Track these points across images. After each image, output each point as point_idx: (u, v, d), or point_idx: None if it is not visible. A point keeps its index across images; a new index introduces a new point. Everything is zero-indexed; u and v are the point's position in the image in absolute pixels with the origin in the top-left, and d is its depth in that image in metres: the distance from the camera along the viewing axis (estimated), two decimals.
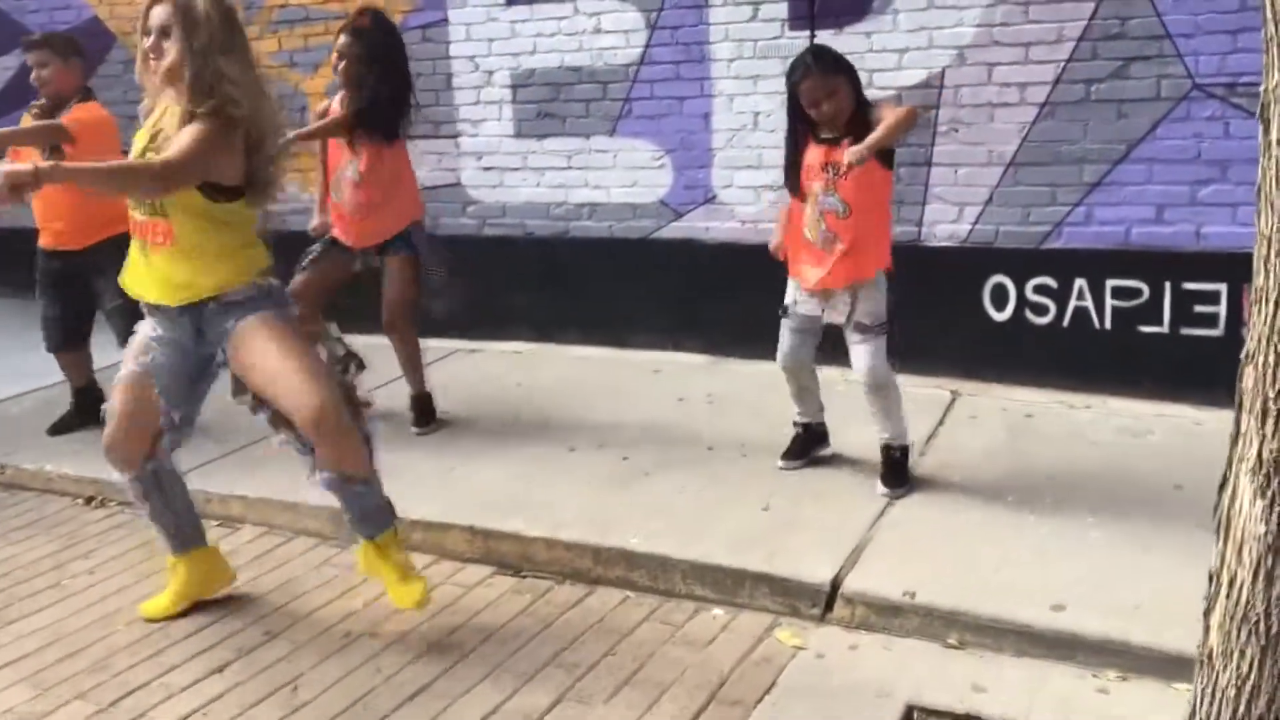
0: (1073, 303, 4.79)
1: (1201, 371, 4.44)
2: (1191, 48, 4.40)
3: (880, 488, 3.83)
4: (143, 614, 3.39)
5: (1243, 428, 1.71)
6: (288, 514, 4.00)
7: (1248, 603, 1.73)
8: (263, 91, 3.02)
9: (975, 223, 4.92)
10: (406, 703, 2.93)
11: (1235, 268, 3.99)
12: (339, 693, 2.99)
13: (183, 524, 3.42)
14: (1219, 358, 4.02)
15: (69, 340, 4.85)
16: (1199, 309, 4.54)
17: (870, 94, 4.18)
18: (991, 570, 3.28)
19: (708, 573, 3.39)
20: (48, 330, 4.83)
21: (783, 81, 4.99)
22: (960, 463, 4.08)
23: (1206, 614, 1.84)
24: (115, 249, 4.38)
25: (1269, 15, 1.65)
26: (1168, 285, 4.59)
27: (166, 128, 2.94)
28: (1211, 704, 1.84)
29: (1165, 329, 4.62)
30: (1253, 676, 1.76)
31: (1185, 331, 4.57)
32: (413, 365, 4.70)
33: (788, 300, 3.91)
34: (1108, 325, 4.73)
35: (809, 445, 4.09)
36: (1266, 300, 1.68)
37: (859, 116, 3.62)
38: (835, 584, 3.25)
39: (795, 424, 4.11)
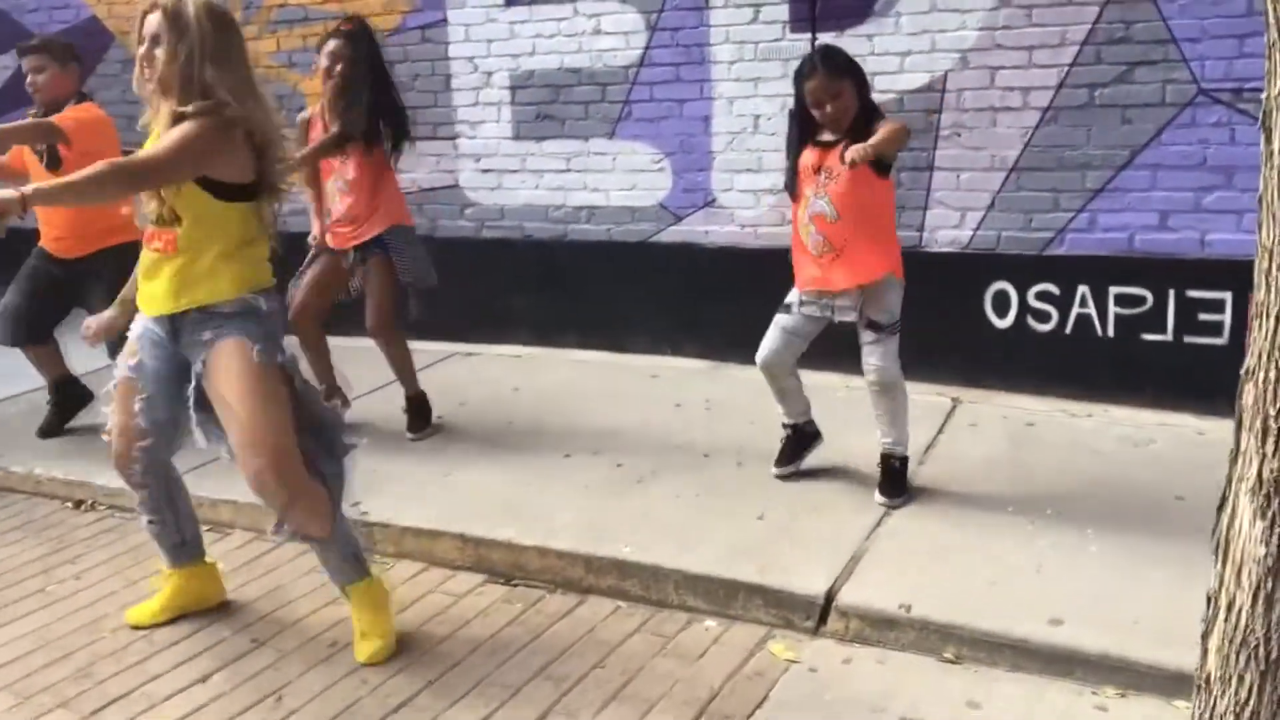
0: (1075, 310, 4.73)
1: (1205, 381, 4.38)
2: (1197, 52, 4.34)
3: (878, 497, 3.78)
4: (128, 621, 3.35)
5: (1242, 446, 1.66)
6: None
7: (1247, 627, 1.68)
8: (259, 96, 2.95)
9: (977, 228, 4.87)
10: (391, 715, 2.88)
11: (1240, 276, 3.92)
12: (323, 703, 2.94)
13: (187, 540, 3.38)
14: (1223, 367, 3.95)
15: (30, 337, 4.76)
16: (1203, 317, 4.48)
17: (873, 98, 4.12)
18: (989, 583, 3.22)
19: (700, 583, 3.34)
20: (6, 322, 4.72)
21: (784, 84, 5.02)
22: (960, 472, 4.03)
23: (1204, 637, 1.79)
24: (114, 258, 4.37)
25: (1271, 20, 1.60)
26: (1171, 293, 4.53)
27: (158, 135, 2.90)
28: None
29: (1169, 337, 4.56)
30: (1251, 702, 1.70)
31: (1189, 340, 4.52)
32: (402, 368, 4.65)
33: (790, 299, 3.85)
34: (1110, 333, 4.68)
35: (800, 447, 4.03)
36: (1267, 315, 1.62)
37: (863, 121, 3.56)
38: (829, 596, 3.20)
39: (784, 426, 4.05)
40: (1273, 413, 1.61)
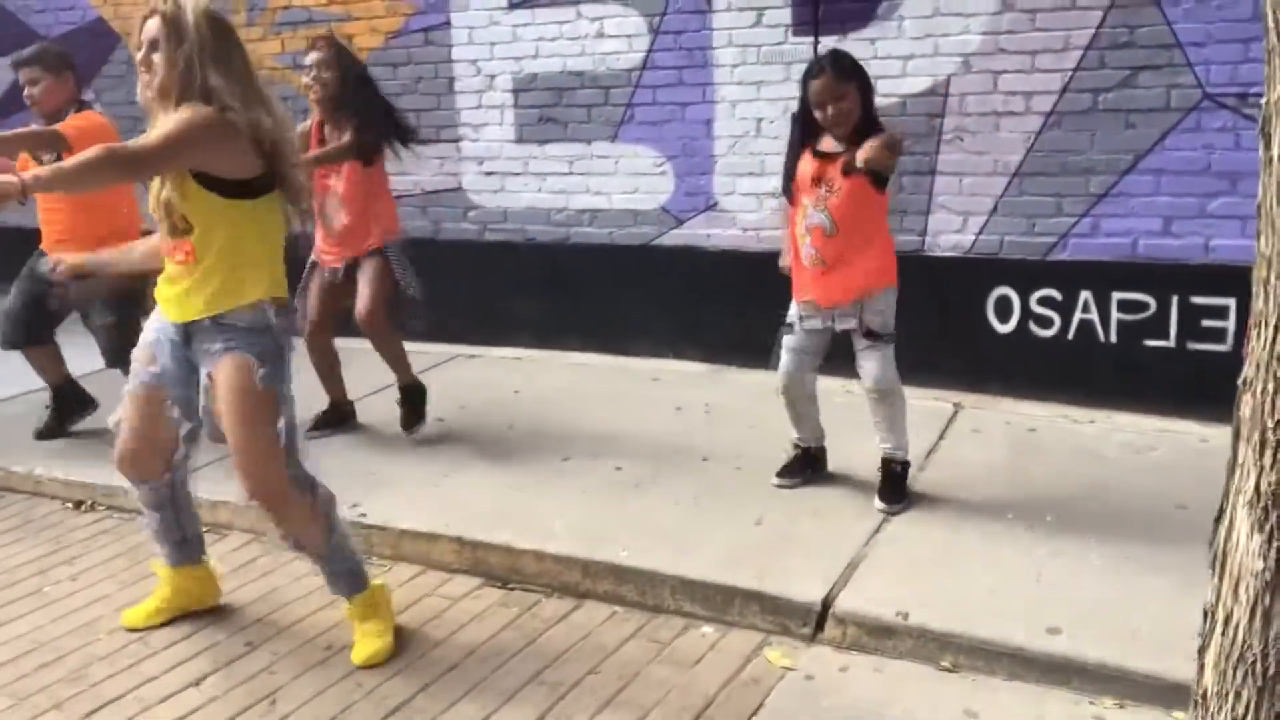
0: (1078, 315, 4.71)
1: (1208, 387, 4.34)
2: (1202, 57, 4.32)
3: (877, 503, 3.76)
4: (124, 623, 3.33)
5: (1240, 458, 1.64)
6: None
7: (1244, 642, 1.65)
8: (265, 100, 2.90)
9: (980, 233, 4.85)
10: (386, 719, 2.87)
11: (1244, 282, 3.88)
12: (317, 707, 2.93)
13: (189, 537, 3.37)
14: (1227, 374, 3.90)
15: (29, 340, 4.75)
16: (1207, 323, 4.46)
17: (875, 101, 4.10)
18: (988, 591, 3.20)
19: (697, 589, 3.32)
20: (6, 325, 4.72)
21: (786, 88, 5.01)
22: (960, 478, 4.01)
23: (1201, 652, 1.77)
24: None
25: (1270, 24, 1.58)
26: (1175, 299, 4.51)
27: None
28: None
29: (1172, 343, 4.54)
30: (1249, 719, 1.68)
31: (1192, 346, 4.49)
32: (394, 360, 4.60)
33: (791, 317, 3.83)
34: (1113, 339, 4.65)
35: (806, 466, 4.01)
36: (1266, 324, 1.60)
37: (865, 129, 3.54)
38: (826, 603, 3.18)
39: (795, 445, 4.03)
40: (1271, 424, 1.59)
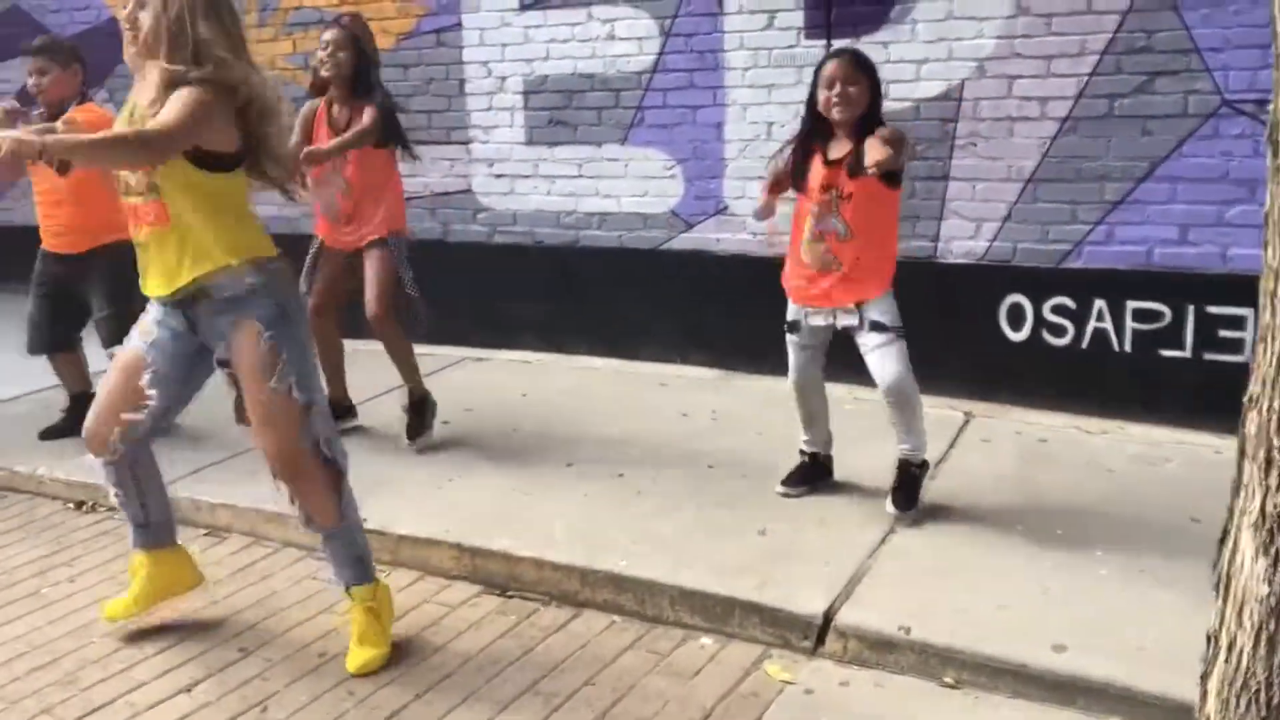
0: (1092, 324, 4.63)
1: (1224, 399, 4.17)
2: (1221, 62, 4.25)
3: (889, 507, 3.69)
4: (105, 615, 3.29)
5: (1245, 478, 1.58)
6: (275, 525, 3.91)
7: (1248, 669, 1.59)
8: (251, 61, 2.88)
9: (993, 240, 4.78)
10: None
11: None
12: (309, 715, 2.89)
13: (152, 517, 3.28)
14: (1243, 385, 3.86)
15: (53, 345, 4.76)
16: (1223, 334, 4.37)
17: (887, 105, 4.06)
18: (993, 605, 3.13)
19: (697, 600, 3.27)
20: (32, 332, 4.75)
21: (797, 91, 4.95)
22: (969, 489, 3.94)
23: (1204, 678, 1.71)
24: (111, 256, 4.36)
25: (1278, 29, 1.52)
26: (1191, 308, 4.43)
27: (141, 100, 2.83)
28: None
29: (1187, 354, 4.46)
30: None
31: (1208, 357, 4.41)
32: (404, 364, 4.55)
33: (791, 317, 3.78)
34: (1128, 348, 4.58)
35: (812, 474, 3.95)
36: (1273, 338, 1.54)
37: (867, 128, 3.49)
38: (828, 616, 3.12)
39: (802, 452, 3.98)
40: (1277, 443, 1.53)
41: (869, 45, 4.73)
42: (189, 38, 2.76)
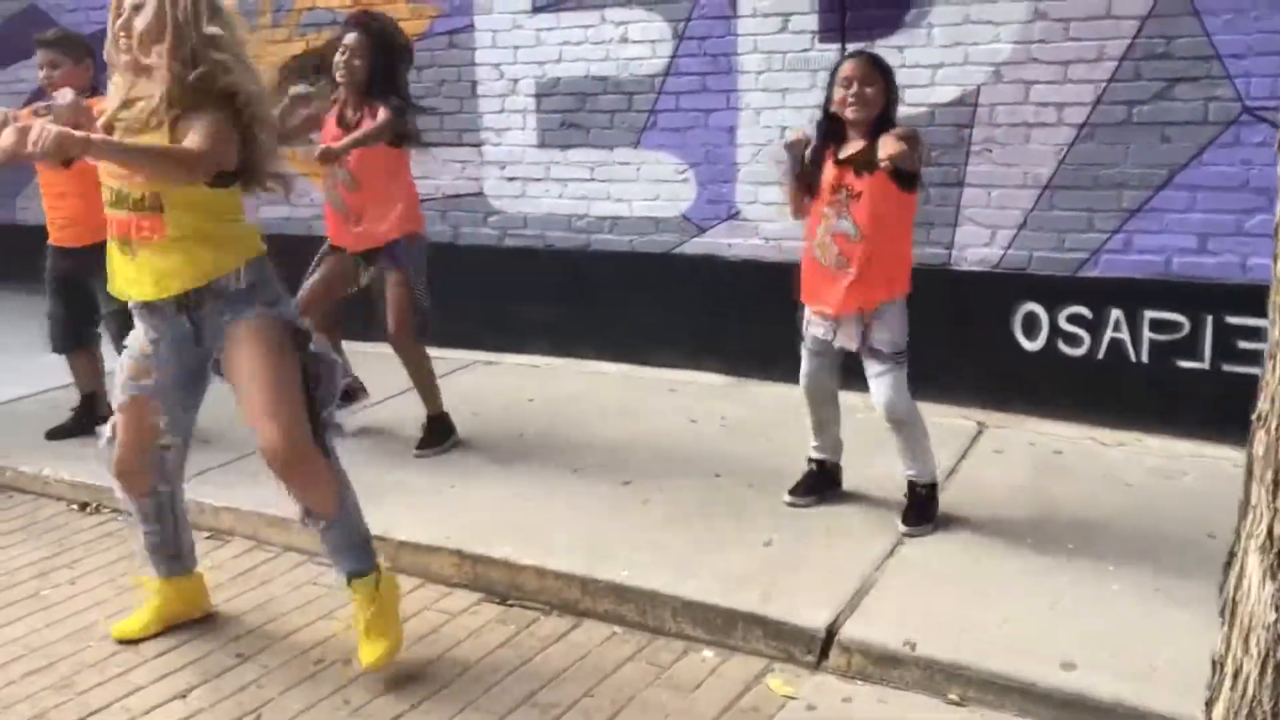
0: (1108, 334, 4.56)
1: (1243, 411, 4.10)
2: (1242, 69, 4.16)
3: (900, 526, 3.63)
4: (114, 635, 3.27)
5: (1253, 499, 1.52)
6: (277, 529, 3.89)
7: (1254, 698, 1.53)
8: (251, 69, 2.86)
9: (1008, 247, 4.71)
10: None
11: None
12: None
13: (183, 549, 3.32)
14: None
15: (76, 341, 4.76)
16: (1243, 345, 4.28)
17: (901, 110, 4.00)
18: (1001, 621, 3.07)
19: (699, 611, 3.22)
20: (53, 329, 4.75)
21: (812, 95, 4.91)
22: (980, 501, 3.87)
23: (1209, 705, 1.65)
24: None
25: None
26: (1210, 319, 4.35)
27: (137, 102, 2.79)
28: None
29: (1206, 365, 4.37)
30: None
31: (1227, 368, 4.32)
32: (419, 381, 4.52)
33: (803, 322, 3.73)
34: (1145, 359, 4.50)
35: (820, 484, 3.90)
36: None
37: (882, 128, 3.43)
38: (832, 630, 3.06)
39: (810, 460, 3.92)
40: None
41: (884, 49, 4.65)
42: (190, 42, 2.73)
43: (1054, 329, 4.66)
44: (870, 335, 3.55)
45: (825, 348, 3.70)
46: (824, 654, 3.05)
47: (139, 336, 3.03)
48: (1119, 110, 4.40)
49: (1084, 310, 4.59)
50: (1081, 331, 4.61)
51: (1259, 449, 1.51)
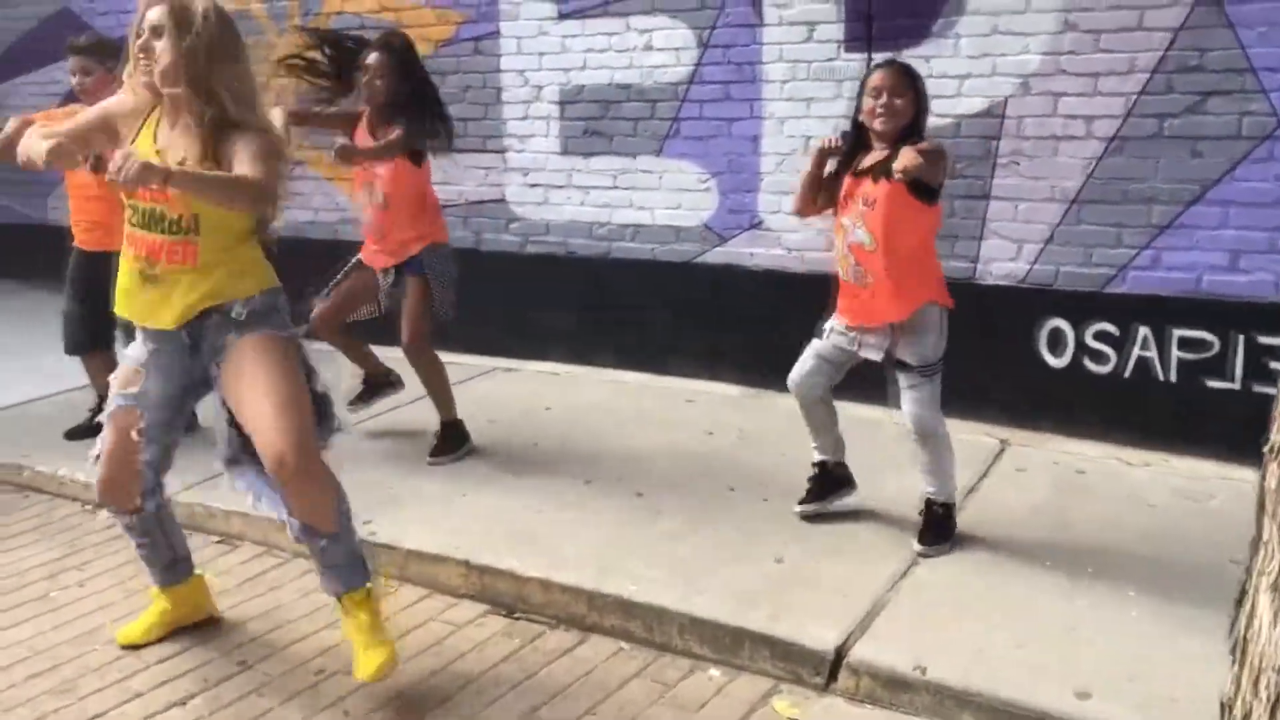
0: (1135, 352, 4.46)
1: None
2: (1277, 82, 4.07)
3: (916, 545, 3.56)
4: (119, 641, 3.26)
5: (1265, 535, 1.45)
6: (287, 535, 3.85)
7: None
8: (263, 101, 2.89)
9: (1034, 262, 4.63)
10: None
11: None
12: None
13: (178, 558, 3.30)
14: None
15: (91, 342, 4.77)
16: (1275, 365, 4.18)
17: (928, 121, 3.93)
18: (1015, 646, 2.99)
19: (707, 629, 3.16)
20: (68, 330, 4.77)
21: (836, 105, 4.85)
22: (1000, 520, 3.79)
23: None
24: None
25: None
26: (1240, 338, 4.25)
27: (175, 143, 2.80)
28: None
29: (1236, 385, 4.27)
30: None
31: (1258, 389, 4.22)
32: (433, 389, 4.51)
33: (826, 324, 3.67)
34: (1173, 378, 4.39)
35: (826, 488, 3.83)
36: None
37: (909, 139, 3.37)
38: (840, 652, 2.99)
39: (813, 464, 3.86)
40: None
41: (910, 59, 4.58)
42: (207, 76, 2.73)
43: (1080, 346, 4.57)
44: (898, 348, 3.48)
45: (836, 355, 3.63)
46: (832, 676, 2.99)
47: (137, 345, 3.03)
48: (1150, 123, 4.31)
49: (1111, 327, 4.50)
50: (1108, 349, 4.52)
51: (1271, 482, 1.45)
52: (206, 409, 3.17)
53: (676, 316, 5.47)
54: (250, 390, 2.86)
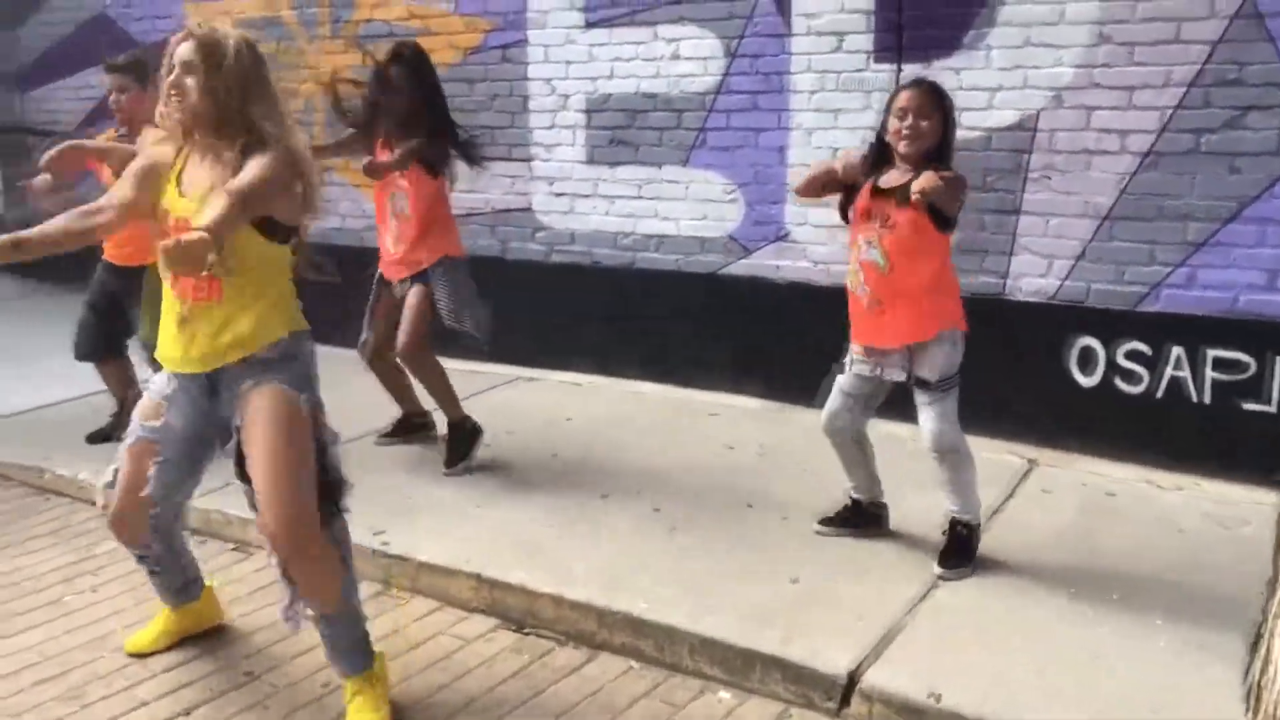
0: (1168, 372, 4.35)
1: None
2: None
3: (936, 568, 3.48)
4: (127, 649, 3.24)
5: None
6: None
7: None
8: (296, 136, 2.80)
9: (1065, 278, 4.53)
10: None
11: None
12: None
13: (189, 580, 3.27)
14: None
15: (99, 350, 4.80)
16: None
17: (958, 134, 3.85)
18: (1034, 674, 2.91)
19: (718, 650, 3.10)
20: (80, 337, 4.80)
21: (865, 116, 4.79)
22: (1024, 543, 3.70)
23: None
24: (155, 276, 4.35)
25: None
26: (1278, 359, 4.13)
27: (202, 177, 2.76)
28: None
29: (1272, 408, 4.16)
30: None
31: None
32: (435, 393, 4.48)
33: (846, 356, 3.60)
34: (1206, 399, 4.28)
35: (854, 520, 3.77)
36: None
37: (933, 164, 3.30)
38: (853, 676, 2.92)
39: (849, 495, 3.79)
40: None
41: (941, 71, 4.54)
42: (238, 116, 2.69)
43: (1111, 365, 4.47)
44: (916, 365, 3.41)
45: (861, 387, 3.56)
46: (844, 701, 2.92)
47: (162, 377, 2.94)
48: (1186, 139, 4.21)
49: (1143, 346, 4.39)
50: (1140, 368, 4.41)
51: None
52: None
53: (700, 328, 5.42)
54: (257, 445, 2.75)
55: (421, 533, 3.81)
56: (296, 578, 2.77)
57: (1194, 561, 3.58)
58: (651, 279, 5.54)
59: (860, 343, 3.51)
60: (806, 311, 5.05)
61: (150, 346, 4.50)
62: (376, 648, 2.98)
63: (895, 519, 3.81)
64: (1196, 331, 4.27)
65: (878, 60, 4.81)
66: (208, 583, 3.37)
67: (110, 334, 4.77)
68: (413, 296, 4.38)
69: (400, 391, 4.73)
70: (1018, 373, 4.61)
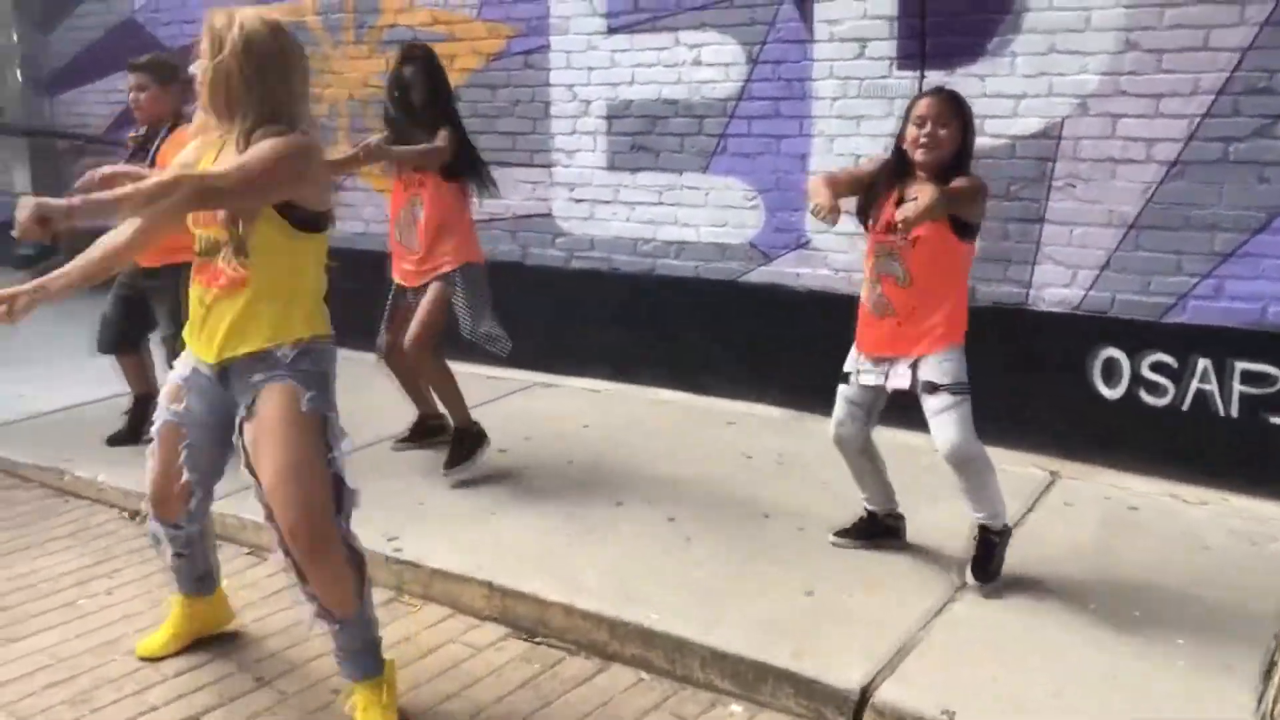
0: (1194, 385, 4.28)
1: None
2: None
3: (969, 579, 3.41)
4: (139, 654, 3.24)
5: None
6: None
7: None
8: (307, 116, 2.78)
9: (1089, 288, 4.47)
10: None
11: None
12: None
13: (212, 568, 3.28)
14: None
15: (122, 344, 4.85)
16: None
17: (982, 142, 3.82)
18: (1050, 693, 2.86)
19: (729, 663, 3.06)
20: (102, 331, 4.84)
21: (887, 123, 4.74)
22: (1045, 557, 3.65)
23: None
24: (179, 276, 4.36)
25: None
26: None
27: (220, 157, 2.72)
28: None
29: None
30: None
31: None
32: (442, 395, 4.45)
33: (848, 366, 3.56)
34: (1234, 413, 4.21)
35: (870, 532, 3.72)
36: None
37: (950, 174, 3.25)
38: (865, 692, 2.88)
39: (864, 507, 3.74)
40: None
41: (964, 78, 4.50)
42: (266, 101, 2.64)
43: (1135, 376, 4.40)
44: (921, 370, 3.36)
45: (866, 397, 3.52)
46: (857, 717, 2.87)
47: (182, 361, 2.95)
48: (1214, 147, 4.14)
49: (1168, 358, 4.32)
50: (1165, 380, 4.34)
51: None
52: None
53: (719, 336, 5.39)
54: (266, 445, 2.71)
55: (434, 539, 3.79)
56: (315, 580, 2.75)
57: (1218, 579, 3.51)
58: (671, 286, 5.51)
59: (870, 352, 3.46)
60: (827, 320, 4.97)
61: (168, 346, 4.56)
62: (387, 655, 2.95)
63: (910, 531, 3.76)
64: (1224, 343, 4.19)
65: (900, 67, 4.77)
66: (220, 584, 3.36)
67: (130, 329, 4.81)
68: (431, 291, 4.34)
69: (416, 391, 4.72)
70: (1040, 383, 4.55)
